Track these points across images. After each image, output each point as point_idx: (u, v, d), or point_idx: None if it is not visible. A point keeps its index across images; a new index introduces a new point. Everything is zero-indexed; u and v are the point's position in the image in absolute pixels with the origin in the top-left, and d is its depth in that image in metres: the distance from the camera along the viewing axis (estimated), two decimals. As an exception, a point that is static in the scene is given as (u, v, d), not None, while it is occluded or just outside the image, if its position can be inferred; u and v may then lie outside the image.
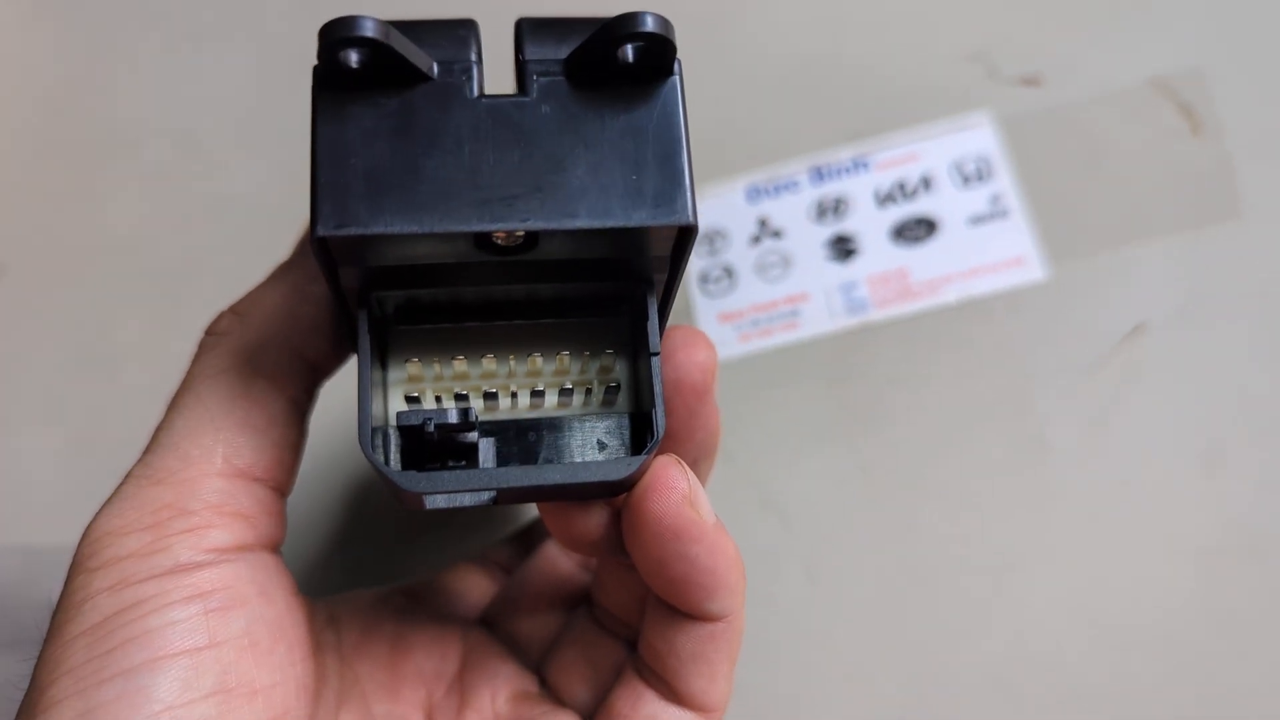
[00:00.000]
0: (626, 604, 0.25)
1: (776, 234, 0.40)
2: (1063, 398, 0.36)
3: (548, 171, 0.19)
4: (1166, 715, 0.33)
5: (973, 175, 0.40)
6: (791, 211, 0.40)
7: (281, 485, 0.23)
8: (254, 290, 0.23)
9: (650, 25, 0.18)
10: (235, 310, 0.23)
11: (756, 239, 0.40)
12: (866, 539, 0.35)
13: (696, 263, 0.39)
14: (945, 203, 0.39)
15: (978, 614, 0.34)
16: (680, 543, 0.21)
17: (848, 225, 0.40)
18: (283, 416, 0.22)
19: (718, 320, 0.39)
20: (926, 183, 0.40)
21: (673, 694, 0.23)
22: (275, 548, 0.23)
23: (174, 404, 0.22)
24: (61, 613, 0.20)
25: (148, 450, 0.22)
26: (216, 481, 0.21)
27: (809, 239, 0.40)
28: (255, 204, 0.40)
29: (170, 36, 0.43)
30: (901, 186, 0.40)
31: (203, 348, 0.23)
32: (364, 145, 0.18)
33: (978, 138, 0.40)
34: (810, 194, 0.40)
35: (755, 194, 0.40)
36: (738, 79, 0.41)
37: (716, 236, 0.40)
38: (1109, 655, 0.34)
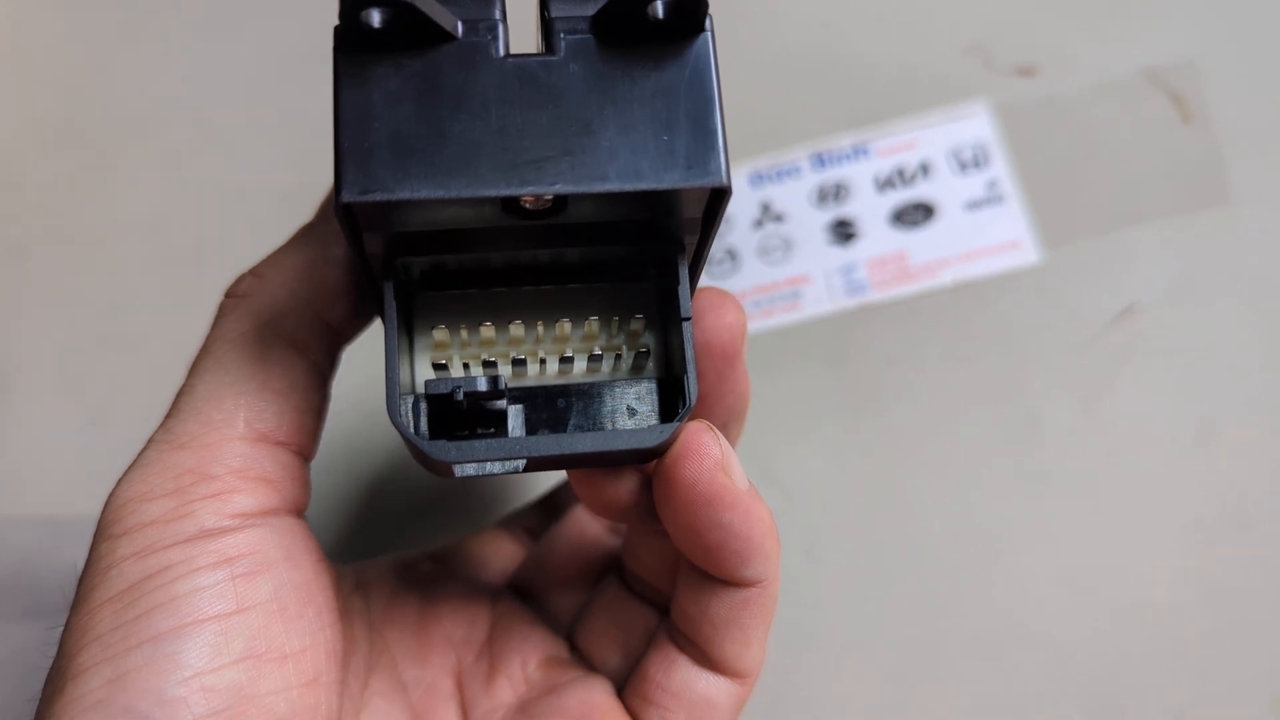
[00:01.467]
0: (657, 570, 0.24)
1: (778, 218, 0.39)
2: (1056, 377, 0.36)
3: (577, 133, 0.17)
4: (1159, 688, 0.32)
5: (970, 162, 0.39)
6: (793, 196, 0.39)
7: (304, 449, 0.21)
8: (274, 252, 0.22)
9: None
10: (255, 272, 0.22)
11: (759, 223, 0.39)
12: (864, 515, 0.35)
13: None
14: (943, 188, 0.38)
15: (973, 589, 0.34)
16: (714, 509, 0.20)
17: (848, 210, 0.39)
18: (304, 380, 0.21)
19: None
20: (925, 169, 0.39)
21: (706, 659, 0.22)
22: (300, 512, 0.22)
23: (194, 368, 0.21)
24: (87, 580, 0.19)
25: (169, 415, 0.21)
26: (239, 446, 0.20)
27: (810, 223, 0.39)
28: (271, 187, 0.39)
29: (188, 21, 0.42)
30: (900, 172, 0.39)
31: (222, 310, 0.21)
32: (388, 108, 0.17)
33: (975, 126, 0.39)
34: (812, 179, 0.39)
35: (758, 179, 0.39)
36: (741, 68, 0.40)
37: (720, 220, 0.39)
38: (1102, 629, 0.33)
